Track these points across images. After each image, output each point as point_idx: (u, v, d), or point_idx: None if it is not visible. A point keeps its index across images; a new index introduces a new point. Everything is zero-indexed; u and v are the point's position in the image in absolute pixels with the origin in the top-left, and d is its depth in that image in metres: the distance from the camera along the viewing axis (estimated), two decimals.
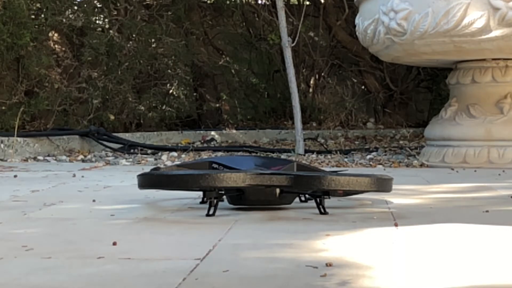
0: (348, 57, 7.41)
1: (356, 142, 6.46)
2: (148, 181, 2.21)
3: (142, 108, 6.46)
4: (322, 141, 6.33)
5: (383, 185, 2.20)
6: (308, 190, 2.24)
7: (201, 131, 6.68)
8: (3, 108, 5.60)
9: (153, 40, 6.56)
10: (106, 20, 6.54)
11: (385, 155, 5.30)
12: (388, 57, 4.69)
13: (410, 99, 7.52)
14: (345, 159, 4.96)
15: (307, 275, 1.37)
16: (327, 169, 3.93)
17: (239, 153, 5.33)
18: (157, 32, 6.49)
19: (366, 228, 1.90)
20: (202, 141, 6.40)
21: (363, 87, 7.56)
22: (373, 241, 1.74)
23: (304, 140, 5.62)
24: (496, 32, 3.89)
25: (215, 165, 2.30)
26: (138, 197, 2.58)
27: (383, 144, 6.16)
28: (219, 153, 5.40)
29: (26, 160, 4.92)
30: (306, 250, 1.61)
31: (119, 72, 6.20)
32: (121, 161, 4.86)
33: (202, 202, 2.34)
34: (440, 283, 1.30)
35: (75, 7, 6.31)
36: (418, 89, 7.64)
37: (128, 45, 6.27)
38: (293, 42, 5.70)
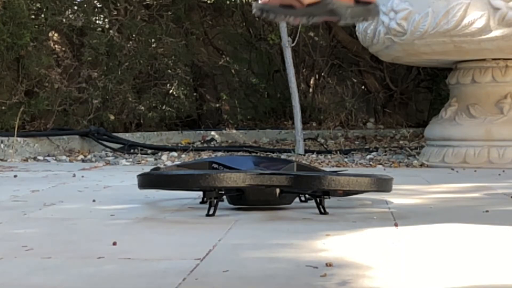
0: (348, 57, 7.40)
1: (356, 142, 6.46)
2: (148, 181, 2.21)
3: (142, 108, 6.46)
4: (322, 141, 6.33)
5: (383, 185, 2.19)
6: (308, 190, 2.23)
7: (201, 131, 6.68)
8: (3, 108, 5.60)
9: (153, 40, 6.56)
10: (106, 20, 6.54)
11: (385, 155, 5.30)
12: (388, 57, 4.69)
13: (410, 99, 7.52)
14: (345, 159, 4.96)
15: (307, 275, 1.37)
16: (327, 169, 3.93)
17: (239, 153, 5.33)
18: (157, 32, 6.49)
19: (366, 228, 1.90)
20: (202, 141, 6.40)
21: (363, 87, 7.56)
22: (373, 241, 1.74)
23: (304, 140, 5.62)
24: (496, 32, 3.89)
25: (215, 165, 2.29)
26: (138, 197, 2.58)
27: (383, 144, 6.16)
28: (219, 153, 5.40)
29: (26, 160, 4.92)
30: (306, 250, 1.61)
31: (119, 72, 6.20)
32: (121, 161, 4.86)
33: (202, 202, 2.34)
34: (440, 283, 1.30)
35: (75, 7, 6.31)
36: (418, 89, 7.64)
37: (128, 45, 6.27)
38: (293, 42, 5.70)
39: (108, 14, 6.42)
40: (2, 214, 2.20)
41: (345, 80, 7.46)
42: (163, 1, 6.65)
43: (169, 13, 6.64)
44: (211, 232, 1.86)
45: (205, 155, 5.24)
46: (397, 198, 2.54)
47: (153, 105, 6.55)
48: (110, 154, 5.39)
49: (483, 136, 4.22)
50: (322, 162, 4.76)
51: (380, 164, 4.63)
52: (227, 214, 2.17)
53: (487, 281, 1.33)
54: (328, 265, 1.43)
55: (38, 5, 5.93)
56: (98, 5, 6.61)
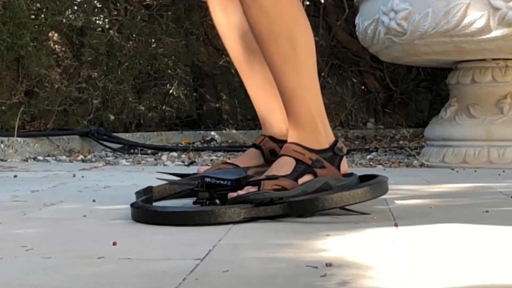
0: (348, 57, 7.41)
1: (356, 142, 6.46)
2: (142, 216, 2.10)
3: (142, 108, 6.46)
4: None
5: (378, 190, 2.16)
6: (304, 214, 2.17)
7: (201, 131, 6.68)
8: (3, 108, 5.60)
9: (153, 40, 6.57)
10: (106, 20, 6.54)
11: (385, 155, 5.30)
12: (388, 57, 4.69)
13: (410, 99, 7.52)
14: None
15: (307, 275, 1.37)
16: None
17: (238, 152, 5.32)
18: (157, 32, 6.50)
19: (366, 228, 1.90)
20: (202, 141, 6.40)
21: (363, 87, 7.57)
22: (373, 241, 1.74)
23: None
24: (496, 32, 3.89)
25: (208, 179, 2.25)
26: None
27: (383, 144, 6.16)
28: (219, 153, 5.40)
29: (26, 160, 4.92)
30: (306, 250, 1.61)
31: (119, 72, 6.20)
32: (121, 161, 4.86)
33: (195, 203, 2.32)
34: (440, 283, 1.30)
35: (75, 7, 6.32)
36: (418, 89, 7.65)
37: (128, 45, 6.27)
38: None
39: (108, 14, 6.42)
40: (2, 214, 2.20)
41: (345, 80, 7.46)
42: (163, 1, 6.65)
43: (169, 13, 6.64)
44: (211, 232, 1.86)
45: (205, 155, 5.25)
46: (397, 198, 2.54)
47: (153, 105, 6.56)
48: (110, 154, 5.39)
49: (483, 136, 4.22)
50: None
51: (380, 164, 4.63)
52: None
53: (487, 281, 1.33)
54: (328, 265, 1.43)
55: (38, 5, 5.93)
56: (98, 5, 6.62)
